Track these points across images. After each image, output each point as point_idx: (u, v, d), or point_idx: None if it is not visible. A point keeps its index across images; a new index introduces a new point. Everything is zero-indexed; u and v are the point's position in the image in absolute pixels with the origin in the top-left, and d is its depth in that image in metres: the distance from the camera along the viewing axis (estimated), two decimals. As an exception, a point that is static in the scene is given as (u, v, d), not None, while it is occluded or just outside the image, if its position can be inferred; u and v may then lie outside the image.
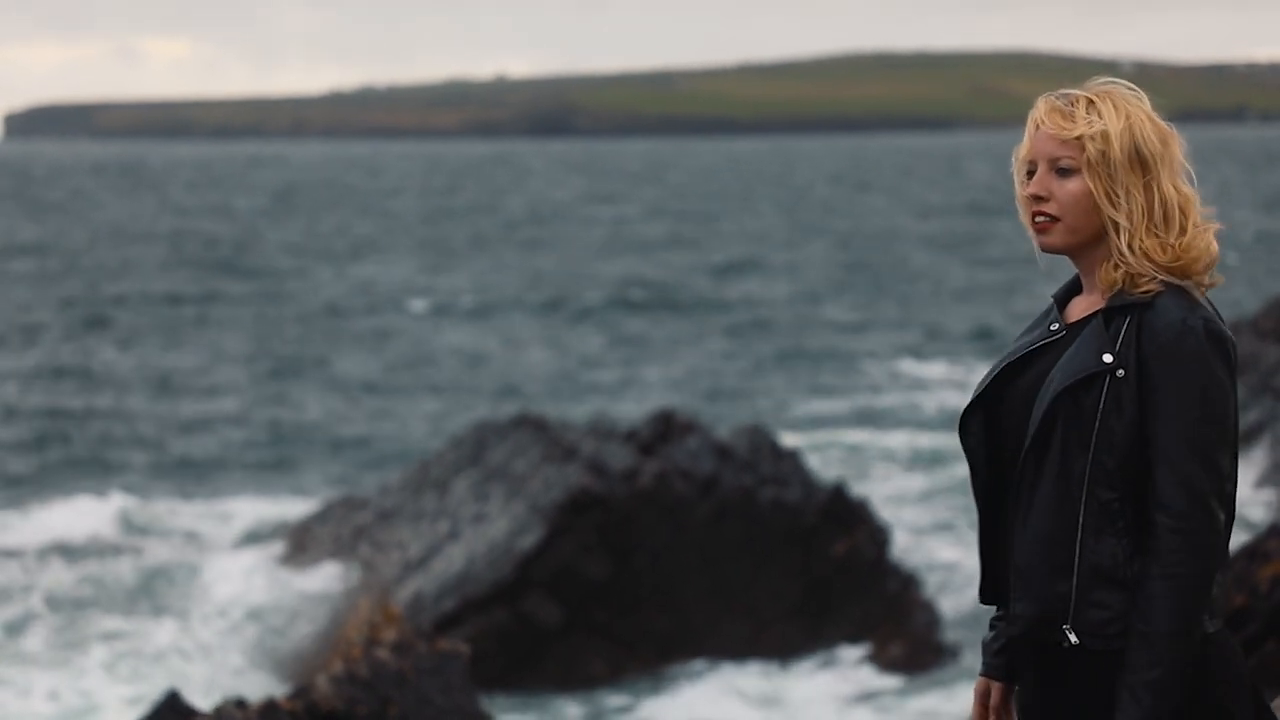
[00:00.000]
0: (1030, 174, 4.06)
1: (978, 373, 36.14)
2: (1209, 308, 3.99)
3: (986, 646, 4.25)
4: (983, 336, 43.01)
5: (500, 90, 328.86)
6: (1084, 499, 3.93)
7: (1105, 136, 3.97)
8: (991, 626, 4.25)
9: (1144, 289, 3.97)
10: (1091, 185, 3.98)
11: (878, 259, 64.20)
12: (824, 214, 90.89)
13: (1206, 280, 3.99)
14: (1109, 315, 3.98)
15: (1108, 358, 3.93)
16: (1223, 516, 3.91)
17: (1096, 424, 3.92)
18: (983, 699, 4.26)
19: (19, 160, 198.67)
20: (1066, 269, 4.20)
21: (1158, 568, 3.88)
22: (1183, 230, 3.98)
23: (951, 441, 28.73)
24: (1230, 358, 3.94)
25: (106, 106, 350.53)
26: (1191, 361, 3.90)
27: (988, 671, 4.25)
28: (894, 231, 77.26)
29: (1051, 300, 4.18)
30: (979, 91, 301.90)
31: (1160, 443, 3.90)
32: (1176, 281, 3.97)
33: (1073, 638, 3.96)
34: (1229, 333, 3.96)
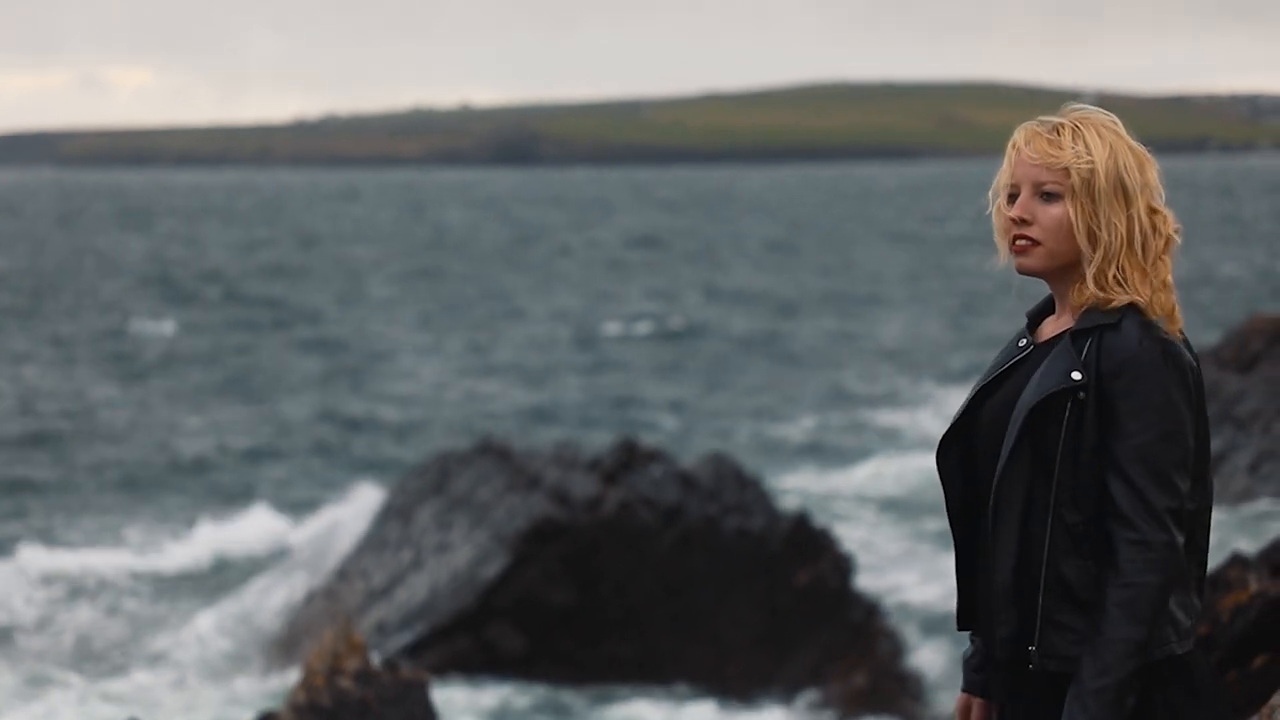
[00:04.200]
0: (1011, 198, 4.07)
1: (949, 400, 36.19)
2: (1173, 334, 3.99)
3: (966, 663, 4.28)
4: (952, 365, 43.07)
5: (464, 119, 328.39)
6: (1050, 521, 3.94)
7: (1091, 165, 3.99)
8: (971, 643, 4.27)
9: (1112, 309, 3.98)
10: (1073, 213, 3.99)
11: (850, 287, 64.29)
12: (794, 237, 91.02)
13: (1167, 322, 4.00)
14: (1076, 336, 3.99)
15: (1076, 375, 3.94)
16: (1180, 536, 3.91)
17: (1060, 445, 3.94)
18: (963, 715, 4.29)
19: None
20: (1038, 291, 4.21)
21: (1117, 579, 3.89)
22: (1158, 253, 4.01)
23: (916, 469, 28.77)
24: (1188, 381, 3.94)
25: (71, 135, 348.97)
26: (1146, 381, 3.90)
27: (968, 688, 4.28)
28: (866, 259, 77.42)
29: (1026, 319, 4.20)
30: (944, 122, 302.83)
31: (1116, 460, 3.90)
32: (1142, 305, 3.98)
33: (1036, 659, 3.97)
34: (1190, 358, 3.97)
